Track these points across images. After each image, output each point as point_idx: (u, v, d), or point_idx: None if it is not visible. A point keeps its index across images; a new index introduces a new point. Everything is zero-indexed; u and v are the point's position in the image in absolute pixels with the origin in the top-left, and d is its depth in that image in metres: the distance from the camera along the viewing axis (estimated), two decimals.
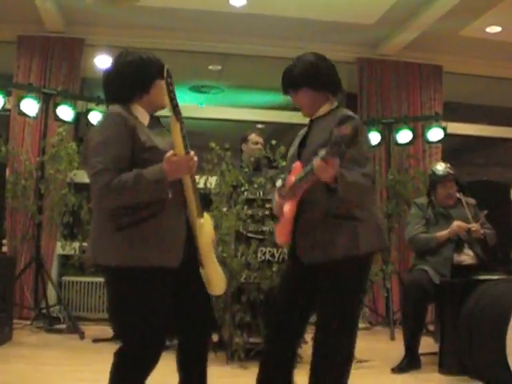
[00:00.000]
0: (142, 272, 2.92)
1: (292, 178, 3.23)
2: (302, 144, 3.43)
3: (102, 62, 8.92)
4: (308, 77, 3.38)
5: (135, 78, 3.10)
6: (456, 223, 5.63)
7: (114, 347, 3.05)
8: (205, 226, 3.14)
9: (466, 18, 7.81)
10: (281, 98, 10.15)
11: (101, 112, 7.45)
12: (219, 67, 9.53)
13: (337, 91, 3.45)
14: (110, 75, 3.16)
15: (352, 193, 3.10)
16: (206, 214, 3.18)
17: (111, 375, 3.05)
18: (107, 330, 6.25)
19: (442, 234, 5.64)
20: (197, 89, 10.28)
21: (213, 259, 3.19)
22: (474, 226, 5.61)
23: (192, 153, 2.96)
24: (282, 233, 3.42)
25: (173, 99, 2.92)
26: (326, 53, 3.51)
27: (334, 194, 3.02)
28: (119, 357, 3.05)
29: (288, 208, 3.30)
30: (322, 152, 2.87)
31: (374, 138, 8.19)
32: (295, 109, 3.66)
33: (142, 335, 2.99)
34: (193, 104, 10.19)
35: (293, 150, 3.51)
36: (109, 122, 3.00)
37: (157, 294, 2.99)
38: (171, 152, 2.88)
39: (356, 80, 8.89)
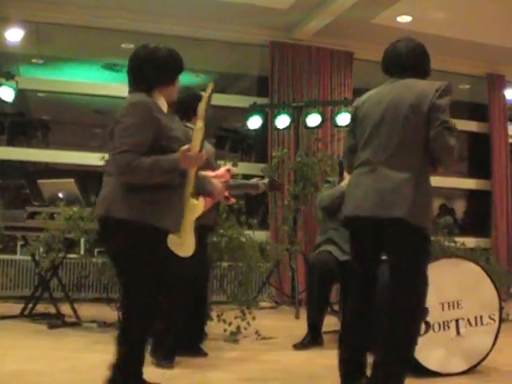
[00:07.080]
0: (147, 228, 3.25)
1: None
2: None
3: (13, 35, 8.74)
4: None
5: (171, 69, 3.51)
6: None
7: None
8: (197, 206, 3.45)
9: (378, 6, 8.02)
10: (192, 79, 10.20)
11: (11, 87, 7.33)
12: (132, 45, 9.47)
13: None
14: (143, 63, 3.46)
15: None
16: (201, 199, 3.48)
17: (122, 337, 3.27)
18: (13, 308, 6.22)
19: (345, 182, 5.69)
20: (109, 67, 10.18)
21: (190, 230, 3.46)
22: None
23: (203, 151, 3.37)
24: None
25: (207, 109, 3.36)
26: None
27: None
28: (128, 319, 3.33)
29: None
30: None
31: (284, 120, 8.36)
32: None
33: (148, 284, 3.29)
34: (105, 82, 10.11)
35: None
36: (140, 110, 3.31)
37: (156, 250, 3.33)
38: (187, 147, 3.27)
39: (268, 63, 8.98)
